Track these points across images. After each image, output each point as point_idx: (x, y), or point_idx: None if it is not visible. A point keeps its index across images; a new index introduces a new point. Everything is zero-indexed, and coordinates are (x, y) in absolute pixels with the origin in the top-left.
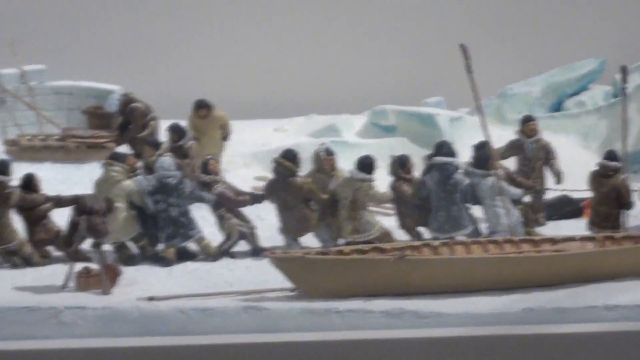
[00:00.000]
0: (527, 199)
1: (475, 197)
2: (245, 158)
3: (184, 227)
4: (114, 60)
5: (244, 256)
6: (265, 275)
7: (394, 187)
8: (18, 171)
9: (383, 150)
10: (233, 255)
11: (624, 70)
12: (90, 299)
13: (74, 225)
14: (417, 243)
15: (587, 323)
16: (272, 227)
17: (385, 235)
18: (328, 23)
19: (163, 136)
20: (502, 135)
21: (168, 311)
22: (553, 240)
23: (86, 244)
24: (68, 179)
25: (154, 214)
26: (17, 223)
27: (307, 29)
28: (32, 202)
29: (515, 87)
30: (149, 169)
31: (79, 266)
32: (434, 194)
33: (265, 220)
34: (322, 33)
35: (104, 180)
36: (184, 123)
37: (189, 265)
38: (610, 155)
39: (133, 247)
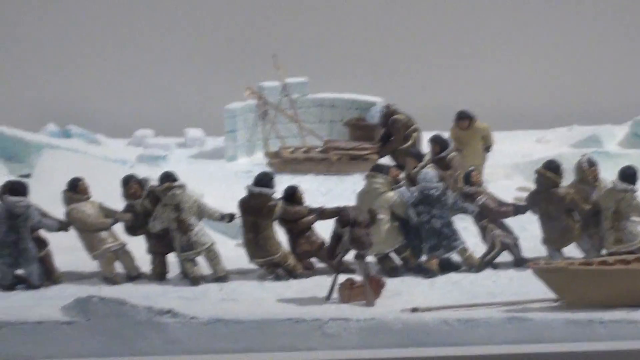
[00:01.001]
0: None
1: None
2: (506, 169)
3: (447, 238)
4: (375, 71)
5: (507, 267)
6: (528, 286)
7: None
8: (280, 183)
9: None
10: (496, 266)
11: None
12: (354, 311)
13: (337, 237)
14: None
15: None
16: (535, 238)
17: None
18: (589, 32)
19: (425, 148)
20: None
21: (432, 322)
22: None
23: (349, 256)
24: (331, 191)
25: (417, 226)
26: (280, 235)
27: (567, 39)
28: (295, 214)
29: None
30: (412, 181)
31: (342, 278)
32: None
33: (528, 231)
34: (585, 42)
35: (366, 192)
36: (446, 134)
37: (452, 276)
38: None
39: (396, 259)
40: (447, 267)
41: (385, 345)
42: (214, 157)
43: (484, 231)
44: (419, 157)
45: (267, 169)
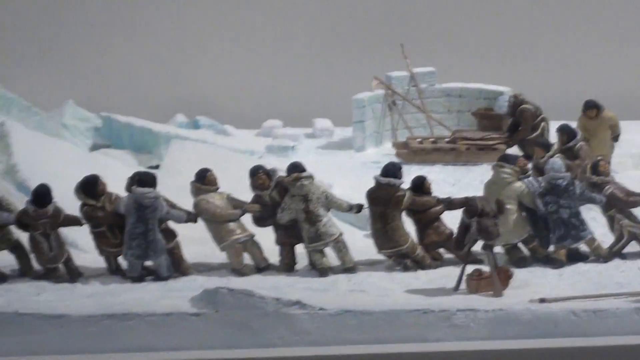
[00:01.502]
0: None
1: None
2: (635, 159)
3: (575, 228)
4: (502, 61)
5: (635, 257)
6: None
7: None
8: (408, 174)
9: None
10: (624, 257)
11: None
12: (482, 302)
13: (465, 228)
14: None
15: None
16: None
17: None
18: None
19: (553, 137)
20: None
21: (560, 313)
22: None
23: (477, 246)
24: (458, 181)
25: (545, 216)
26: (408, 226)
27: None
28: (423, 204)
29: None
30: (539, 171)
31: (470, 268)
32: None
33: None
34: None
35: (494, 182)
36: (573, 124)
37: (580, 266)
38: None
39: (524, 249)
40: (575, 257)
41: (513, 336)
42: (342, 148)
43: (612, 221)
44: (546, 147)
45: (395, 160)
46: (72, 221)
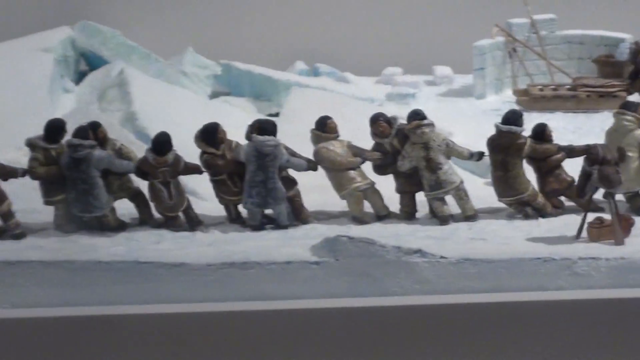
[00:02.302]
0: None
1: None
2: None
3: None
4: (624, 7)
5: None
6: None
7: None
8: (529, 121)
9: None
10: None
11: None
12: (604, 250)
13: (586, 175)
14: None
15: None
16: None
17: None
18: None
19: None
20: None
21: None
22: None
23: (598, 194)
24: (579, 129)
25: None
26: (529, 174)
27: None
28: (544, 152)
29: None
30: None
31: (591, 217)
32: None
33: None
34: None
35: (615, 129)
36: None
37: None
38: None
39: None
40: None
41: (635, 284)
42: (462, 95)
43: None
44: None
45: (516, 107)
46: (192, 169)
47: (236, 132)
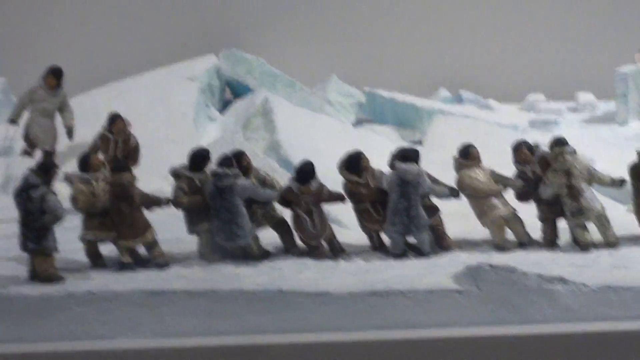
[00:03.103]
0: None
1: None
2: None
3: None
4: None
5: None
6: None
7: None
8: None
9: None
10: None
11: None
12: None
13: None
14: None
15: None
16: None
17: None
18: None
19: None
20: None
21: None
22: None
23: None
24: None
25: None
26: None
27: None
28: None
29: None
30: None
31: None
32: None
33: None
34: None
35: None
36: None
37: None
38: None
39: None
40: None
41: None
42: (605, 122)
43: None
44: None
45: None
46: (335, 197)
47: (379, 160)
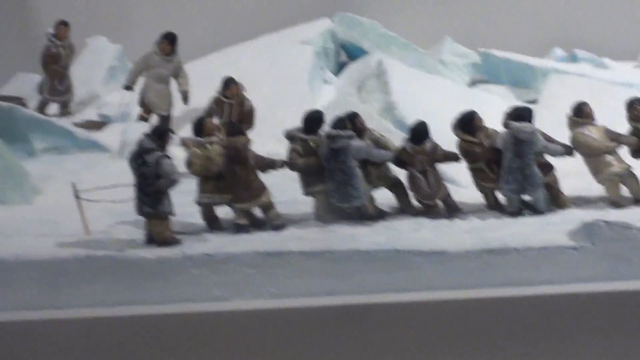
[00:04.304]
0: None
1: None
2: None
3: None
4: None
5: None
6: None
7: None
8: None
9: None
10: None
11: None
12: None
13: None
14: None
15: None
16: None
17: None
18: None
19: None
20: None
21: None
22: None
23: None
24: None
25: None
26: None
27: None
28: None
29: None
30: None
31: None
32: None
33: None
34: None
35: None
36: None
37: None
38: None
39: None
40: None
41: None
42: None
43: None
44: None
45: None
46: (450, 157)
47: (494, 120)
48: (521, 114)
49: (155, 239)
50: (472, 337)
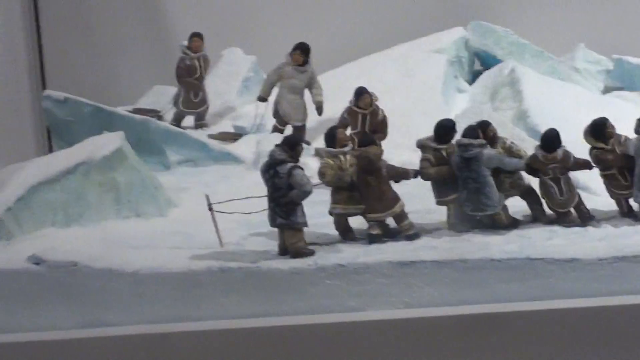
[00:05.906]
0: None
1: None
2: None
3: None
4: None
5: None
6: None
7: None
8: None
9: None
10: None
11: None
12: None
13: None
14: None
15: None
16: None
17: None
18: None
19: None
20: None
21: None
22: None
23: None
24: None
25: None
26: None
27: None
28: None
29: None
30: None
31: None
32: None
33: None
34: None
35: None
36: None
37: None
38: None
39: None
40: None
41: None
42: None
43: None
44: None
45: None
46: (582, 165)
47: (628, 127)
48: None
49: (288, 250)
50: (604, 345)
